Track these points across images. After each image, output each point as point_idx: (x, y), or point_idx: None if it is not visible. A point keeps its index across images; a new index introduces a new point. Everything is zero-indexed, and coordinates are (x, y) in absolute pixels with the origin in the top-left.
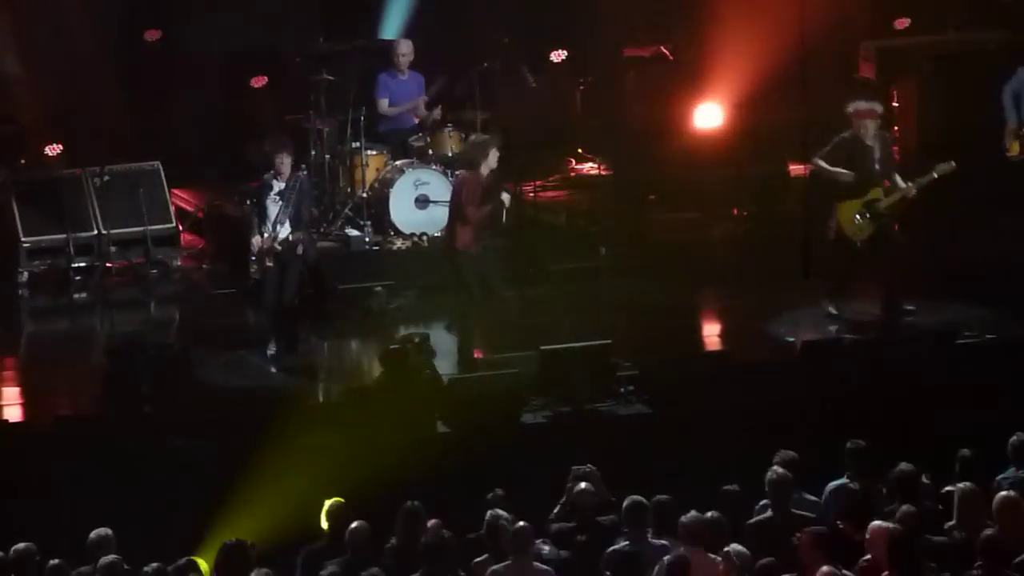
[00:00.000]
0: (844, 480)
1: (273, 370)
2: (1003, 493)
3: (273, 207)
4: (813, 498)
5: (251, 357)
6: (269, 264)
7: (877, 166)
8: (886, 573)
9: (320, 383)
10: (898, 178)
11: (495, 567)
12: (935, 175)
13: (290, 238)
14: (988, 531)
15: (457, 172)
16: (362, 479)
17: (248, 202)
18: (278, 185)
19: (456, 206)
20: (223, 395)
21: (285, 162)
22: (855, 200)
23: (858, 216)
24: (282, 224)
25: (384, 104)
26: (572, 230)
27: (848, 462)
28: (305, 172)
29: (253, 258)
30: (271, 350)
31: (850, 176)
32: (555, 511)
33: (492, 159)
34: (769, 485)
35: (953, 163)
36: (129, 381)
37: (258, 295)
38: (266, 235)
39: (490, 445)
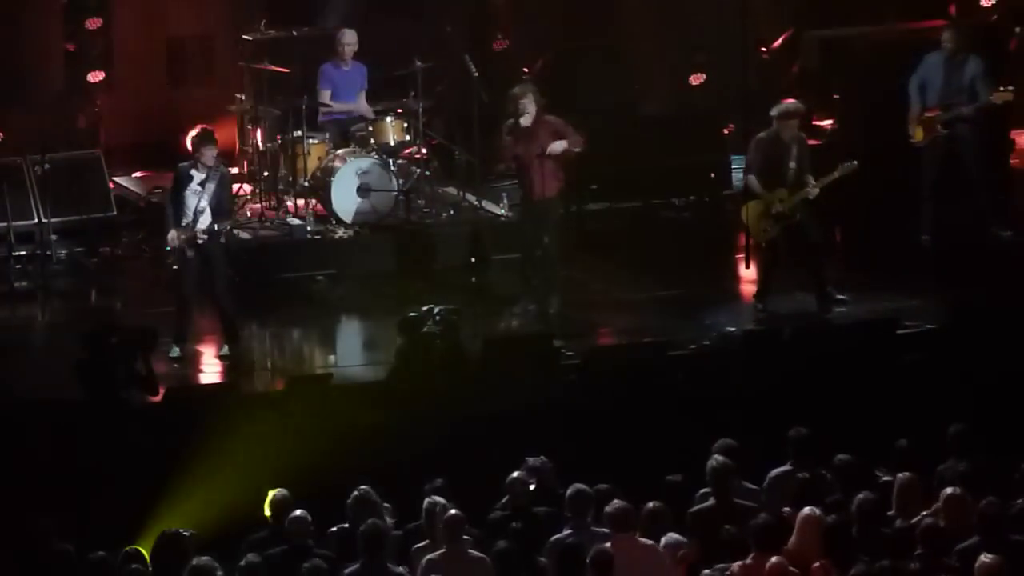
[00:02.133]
0: (787, 468)
1: (212, 359)
2: (948, 490)
3: (193, 197)
4: (754, 487)
5: (188, 347)
6: (190, 255)
7: (793, 163)
8: (818, 563)
9: (262, 372)
10: (809, 178)
11: (431, 556)
12: (837, 175)
13: (215, 227)
14: (928, 520)
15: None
16: (308, 467)
17: (170, 190)
18: (198, 175)
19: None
20: (165, 383)
21: (210, 153)
22: (760, 202)
23: (762, 218)
24: (202, 214)
25: (326, 95)
26: (514, 219)
27: (790, 450)
28: (226, 164)
29: (168, 248)
30: (174, 352)
31: (786, 201)
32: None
33: (527, 107)
34: (710, 473)
35: (856, 163)
36: (104, 365)
37: (178, 286)
38: (185, 224)
39: (434, 433)
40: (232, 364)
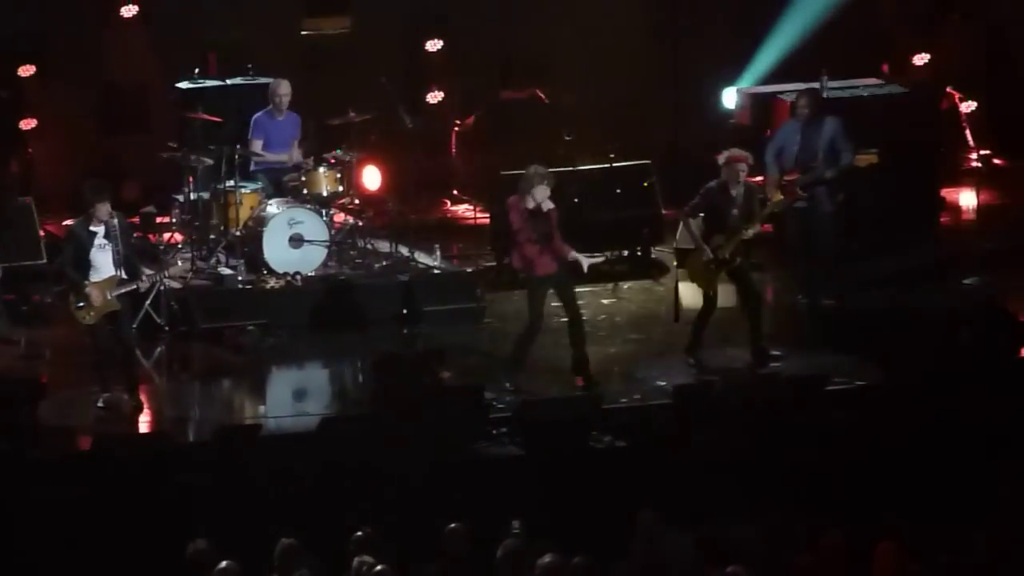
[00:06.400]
0: (706, 526)
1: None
2: (884, 543)
3: (102, 254)
4: (682, 539)
5: (120, 395)
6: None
7: (735, 211)
8: None
9: (192, 422)
10: (750, 231)
11: None
12: (768, 211)
13: (138, 286)
14: None
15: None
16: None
17: (68, 254)
18: (98, 230)
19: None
20: (91, 435)
21: (104, 208)
22: (700, 252)
23: (704, 267)
24: (119, 268)
25: (258, 145)
26: (448, 271)
27: (713, 506)
28: (118, 214)
29: (81, 305)
30: (100, 403)
31: (724, 247)
32: None
33: (537, 193)
34: (638, 528)
35: (784, 198)
36: None
37: (97, 337)
38: (104, 279)
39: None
40: (157, 413)
